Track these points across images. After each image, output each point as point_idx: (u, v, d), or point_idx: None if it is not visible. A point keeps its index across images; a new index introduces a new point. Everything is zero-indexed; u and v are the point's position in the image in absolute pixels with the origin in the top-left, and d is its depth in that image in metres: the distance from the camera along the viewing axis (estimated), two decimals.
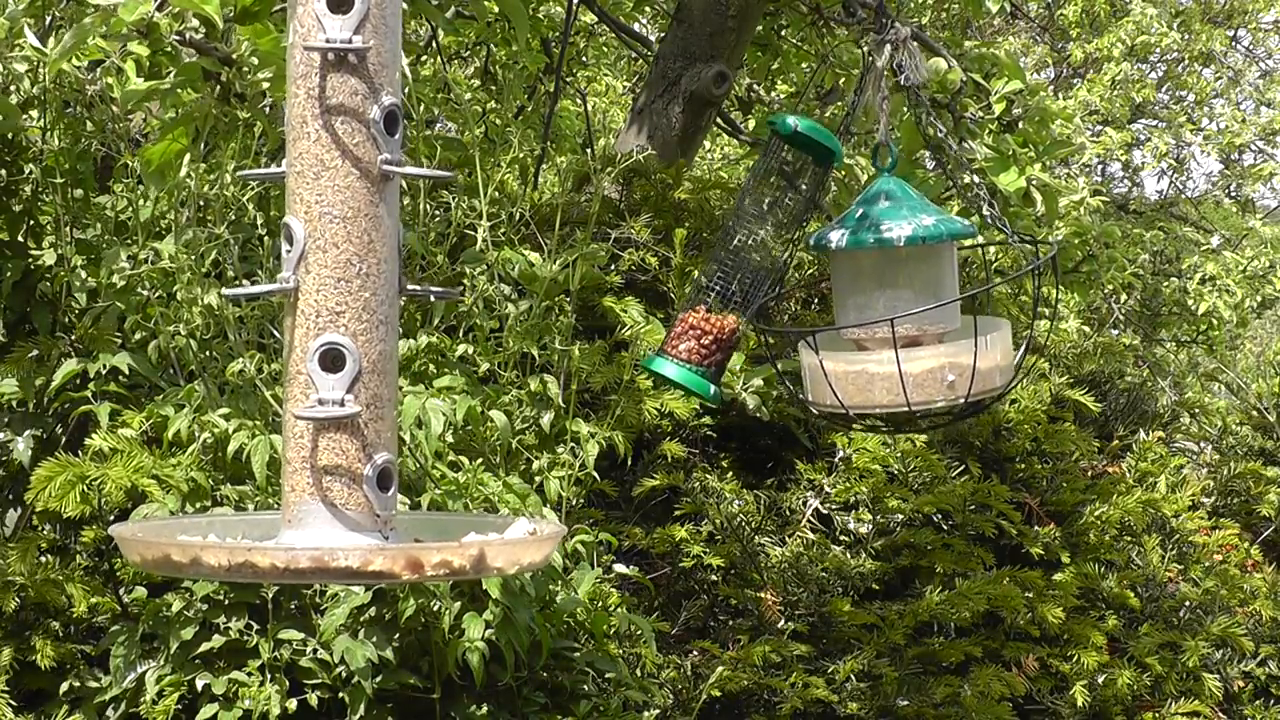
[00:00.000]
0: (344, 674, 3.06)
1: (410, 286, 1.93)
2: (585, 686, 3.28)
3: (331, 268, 1.85)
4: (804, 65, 5.85)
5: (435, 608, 3.05)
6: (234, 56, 2.99)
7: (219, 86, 3.02)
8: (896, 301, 2.60)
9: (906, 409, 2.56)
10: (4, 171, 3.55)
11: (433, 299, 3.11)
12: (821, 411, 2.68)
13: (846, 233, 2.63)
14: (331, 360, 1.85)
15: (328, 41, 1.84)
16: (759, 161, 2.75)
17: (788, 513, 4.17)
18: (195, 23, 2.94)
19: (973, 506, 4.32)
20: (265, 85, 3.02)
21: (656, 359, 2.72)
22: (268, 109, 3.25)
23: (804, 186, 2.71)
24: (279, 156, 3.46)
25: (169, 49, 2.93)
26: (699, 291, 2.73)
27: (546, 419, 3.42)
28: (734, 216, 2.73)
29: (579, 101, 7.40)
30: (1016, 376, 2.69)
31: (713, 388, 2.70)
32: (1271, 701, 4.70)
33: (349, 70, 1.86)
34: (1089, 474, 4.74)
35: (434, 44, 5.78)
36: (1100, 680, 4.30)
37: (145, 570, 1.91)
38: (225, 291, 1.97)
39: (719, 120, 5.57)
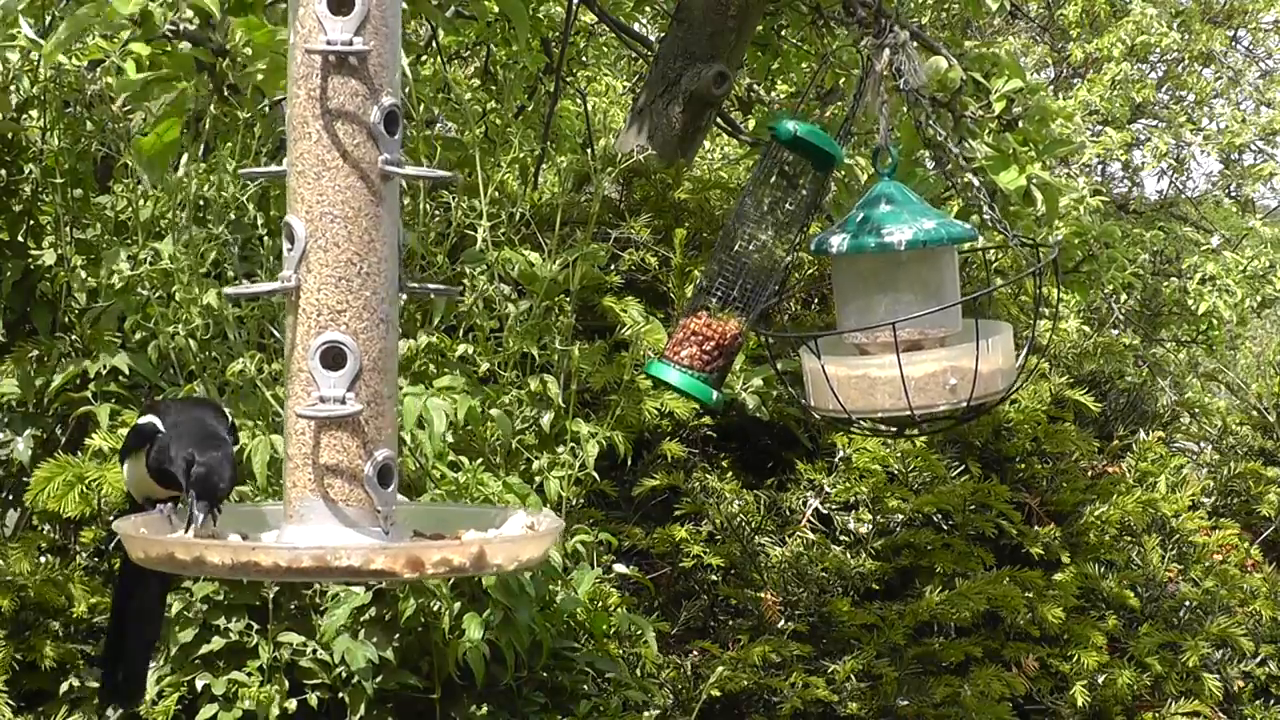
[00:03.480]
0: (344, 674, 3.06)
1: (410, 284, 1.94)
2: (585, 686, 3.28)
3: (332, 267, 1.87)
4: (804, 65, 5.84)
5: (435, 608, 3.05)
6: (228, 48, 2.98)
7: (212, 78, 3.00)
8: (898, 305, 2.61)
9: (909, 413, 2.56)
10: (4, 171, 3.55)
11: (433, 296, 3.11)
12: (824, 416, 2.68)
13: (847, 237, 2.63)
14: (333, 358, 1.86)
15: (328, 44, 1.85)
16: (759, 164, 2.75)
17: (788, 513, 4.16)
18: (189, 13, 2.93)
19: (973, 506, 4.31)
20: (260, 78, 3.00)
21: (659, 365, 2.73)
22: (267, 108, 3.24)
23: (804, 190, 2.71)
24: (279, 156, 3.47)
25: (164, 39, 2.91)
26: (700, 295, 2.73)
27: (546, 419, 3.42)
28: (735, 219, 2.73)
29: (579, 101, 7.39)
30: (1018, 379, 2.69)
31: (715, 393, 2.71)
32: (1271, 701, 4.70)
33: (349, 72, 1.87)
34: (1089, 474, 4.74)
35: (434, 44, 5.78)
36: (1100, 680, 4.30)
37: (148, 569, 1.91)
38: (227, 291, 1.98)
39: (719, 120, 5.57)
